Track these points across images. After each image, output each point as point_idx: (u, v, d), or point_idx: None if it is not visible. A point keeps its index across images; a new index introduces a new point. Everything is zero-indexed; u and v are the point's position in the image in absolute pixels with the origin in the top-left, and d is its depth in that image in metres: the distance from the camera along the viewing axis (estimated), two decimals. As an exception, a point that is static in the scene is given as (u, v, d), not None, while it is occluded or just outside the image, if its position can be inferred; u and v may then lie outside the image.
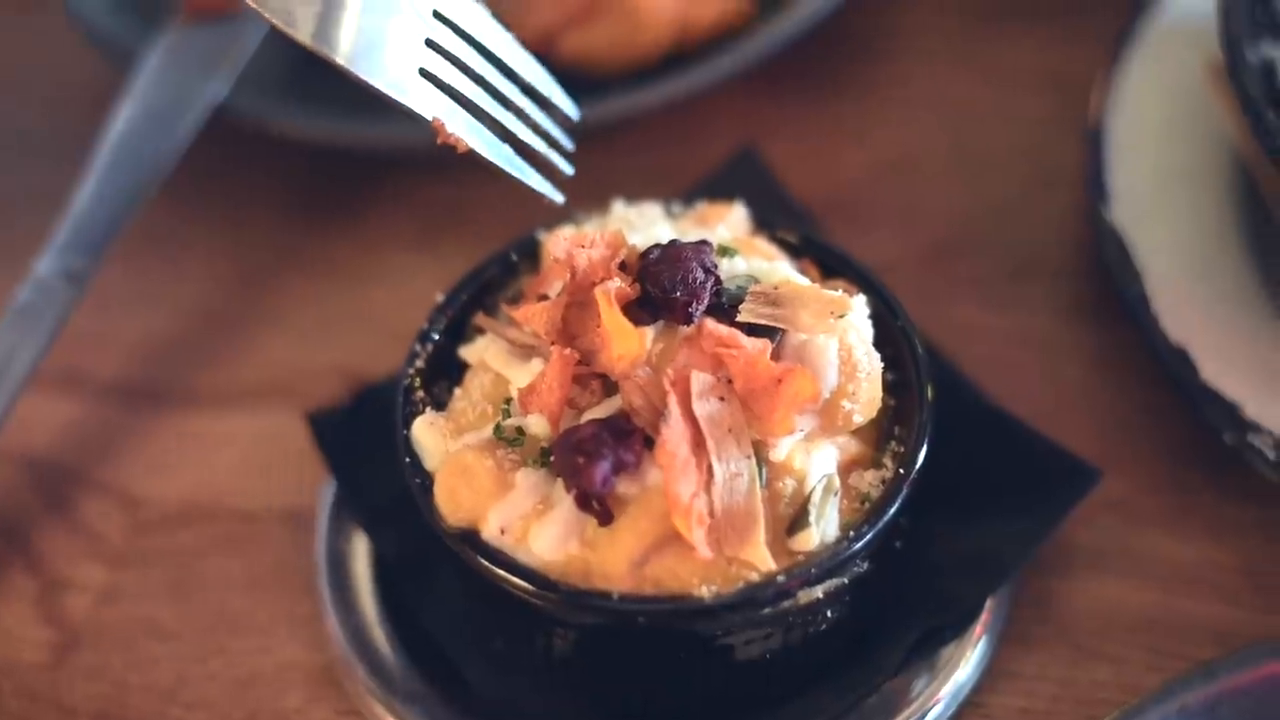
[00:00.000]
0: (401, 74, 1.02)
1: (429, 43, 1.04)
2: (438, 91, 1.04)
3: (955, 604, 1.13)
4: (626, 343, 1.03)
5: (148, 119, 1.36)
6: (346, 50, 1.01)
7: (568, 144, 1.12)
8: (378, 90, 1.01)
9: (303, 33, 1.00)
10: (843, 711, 1.10)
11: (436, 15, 1.05)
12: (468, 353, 1.14)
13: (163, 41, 1.41)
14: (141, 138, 1.35)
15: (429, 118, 1.03)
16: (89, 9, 1.54)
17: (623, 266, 1.07)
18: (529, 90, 1.11)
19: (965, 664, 1.12)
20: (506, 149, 1.08)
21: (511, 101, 1.09)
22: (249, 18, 1.41)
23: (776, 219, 1.21)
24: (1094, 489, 1.17)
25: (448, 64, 1.05)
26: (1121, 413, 1.29)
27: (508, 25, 1.11)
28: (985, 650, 1.14)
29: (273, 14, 1.01)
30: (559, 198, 1.09)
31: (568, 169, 1.11)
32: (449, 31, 1.06)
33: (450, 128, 1.03)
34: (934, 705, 1.11)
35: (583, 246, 1.08)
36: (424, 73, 1.04)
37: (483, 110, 1.07)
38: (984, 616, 1.14)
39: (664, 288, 1.04)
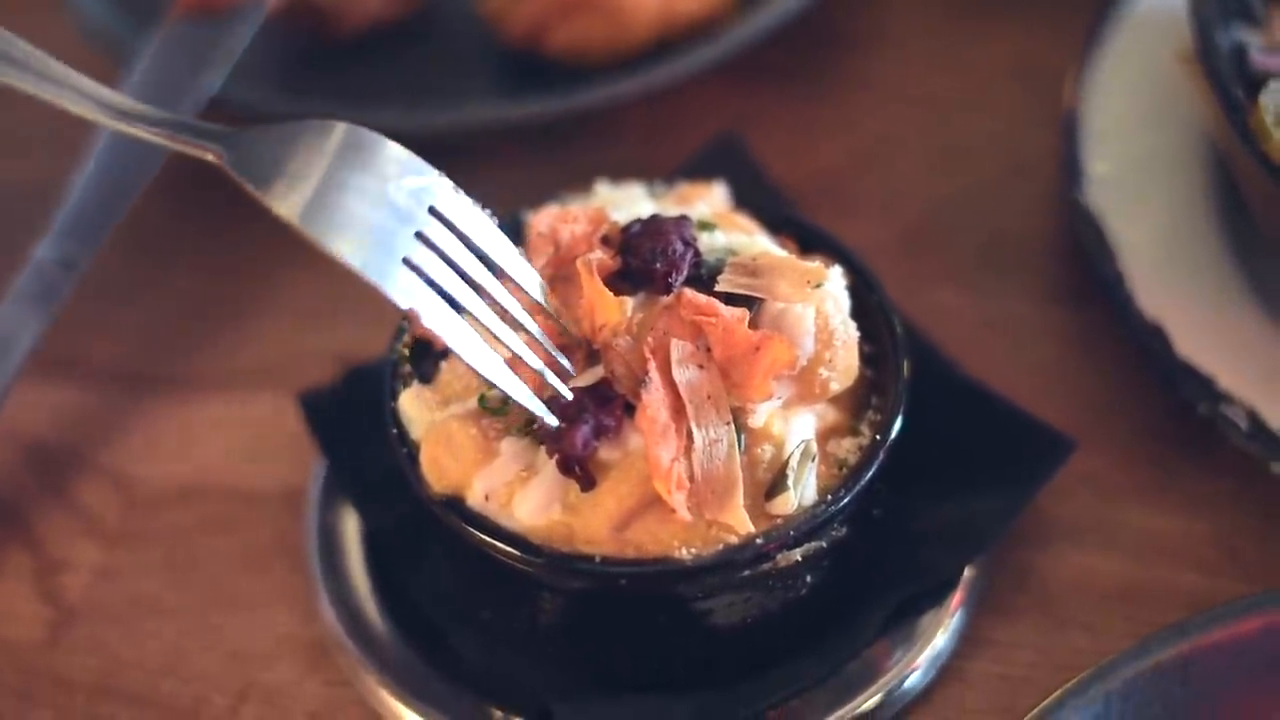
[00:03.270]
0: (381, 258, 0.99)
1: (419, 235, 1.01)
2: (419, 282, 1.00)
3: (933, 572, 1.15)
4: (607, 311, 1.05)
5: (144, 111, 1.38)
6: (327, 229, 0.99)
7: (567, 366, 1.07)
8: (355, 269, 0.99)
9: (289, 211, 0.99)
10: (822, 677, 1.11)
11: (432, 212, 1.02)
12: (454, 327, 1.16)
13: (158, 36, 1.44)
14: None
15: (404, 307, 0.99)
16: (85, 7, 1.57)
17: (605, 241, 1.10)
18: (530, 307, 1.07)
19: (943, 632, 1.14)
20: (491, 354, 1.03)
21: (506, 311, 1.05)
22: (243, 13, 1.44)
23: (757, 198, 1.24)
24: (1071, 461, 1.19)
25: (436, 259, 1.02)
26: (1097, 390, 1.31)
27: (516, 241, 1.08)
28: (963, 619, 1.16)
29: (260, 191, 1.00)
30: (554, 421, 1.04)
31: (566, 393, 1.05)
32: (443, 230, 1.02)
33: (426, 321, 1.00)
34: (912, 672, 1.13)
35: (566, 223, 1.11)
36: (408, 262, 1.00)
37: (470, 313, 1.03)
38: (962, 585, 1.15)
39: (644, 259, 1.07)
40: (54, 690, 1.21)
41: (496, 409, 1.09)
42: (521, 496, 1.06)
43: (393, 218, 1.01)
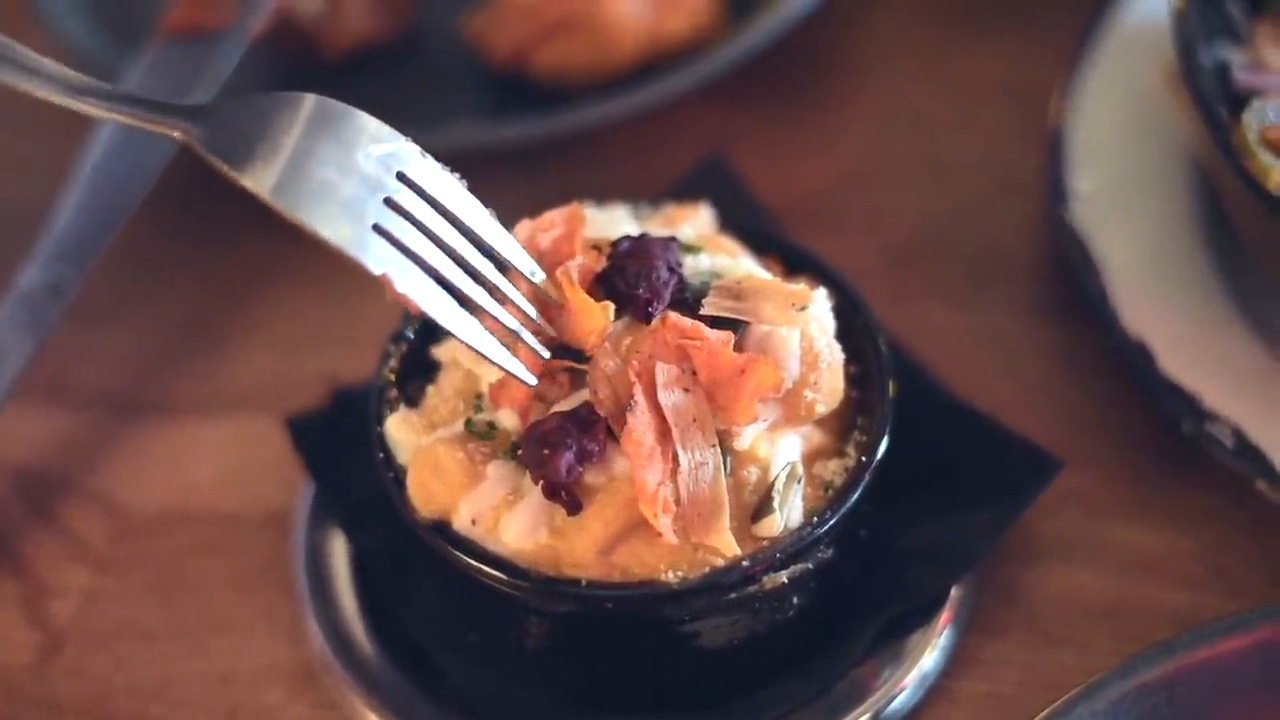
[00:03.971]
0: (352, 227, 0.99)
1: (388, 202, 1.01)
2: (390, 249, 1.00)
3: (920, 592, 1.15)
4: (591, 318, 1.06)
5: (130, 134, 1.37)
6: (299, 202, 0.98)
7: (546, 328, 1.08)
8: (326, 241, 0.98)
9: (259, 186, 0.99)
10: (810, 698, 1.12)
11: (401, 178, 1.03)
12: (440, 351, 1.16)
13: (144, 59, 1.44)
14: (124, 152, 1.37)
15: (376, 273, 0.99)
16: (69, 28, 1.58)
17: (595, 248, 1.11)
18: (504, 268, 1.07)
19: (931, 651, 1.14)
20: (465, 317, 1.03)
21: (479, 273, 1.05)
22: (229, 36, 1.44)
23: (743, 220, 1.24)
24: (1057, 479, 1.19)
25: (407, 224, 1.02)
26: (1083, 407, 1.31)
27: (485, 202, 1.07)
28: (951, 637, 1.16)
29: (231, 166, 1.00)
30: (530, 379, 1.06)
31: (542, 352, 1.06)
32: (413, 195, 1.03)
33: (400, 286, 1.00)
34: (900, 692, 1.13)
35: (543, 230, 1.11)
36: (378, 229, 1.00)
37: (443, 276, 1.03)
38: (949, 604, 1.15)
39: (628, 282, 1.07)
40: (43, 716, 1.21)
41: (483, 432, 1.09)
42: (508, 520, 1.06)
43: (362, 185, 1.01)
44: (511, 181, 1.50)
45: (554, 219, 1.11)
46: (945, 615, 1.15)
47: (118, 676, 1.23)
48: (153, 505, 1.33)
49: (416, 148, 1.05)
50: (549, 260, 1.09)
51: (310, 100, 1.03)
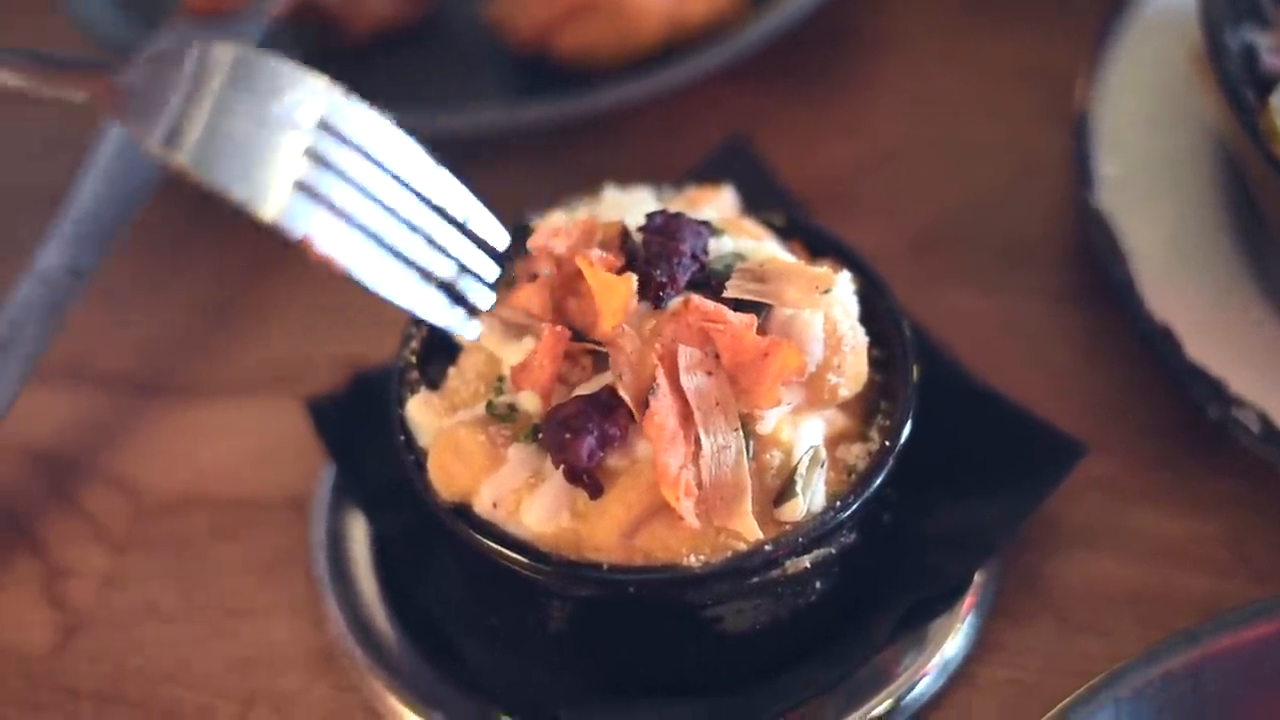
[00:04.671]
0: (267, 185, 0.93)
1: (310, 153, 0.95)
2: (312, 205, 0.94)
3: (944, 577, 1.15)
4: (614, 295, 1.04)
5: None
6: (206, 163, 0.93)
7: (489, 271, 1.03)
8: (239, 203, 0.93)
9: (170, 153, 0.93)
10: (833, 683, 1.11)
11: (323, 126, 0.96)
12: (461, 333, 1.16)
13: (163, 41, 1.43)
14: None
15: (296, 235, 0.94)
16: (91, 11, 1.57)
17: (604, 245, 1.09)
18: (445, 214, 1.01)
19: (954, 637, 1.14)
20: (395, 273, 0.98)
21: (413, 221, 0.99)
22: (248, 17, 1.43)
23: (766, 203, 1.23)
24: (1081, 465, 1.18)
25: (332, 176, 0.95)
26: (1108, 393, 1.31)
27: (420, 138, 1.00)
28: (974, 623, 1.15)
29: (131, 128, 0.95)
30: (471, 334, 1.03)
31: (485, 302, 1.02)
32: (336, 143, 0.96)
33: (322, 245, 0.94)
34: (922, 677, 1.12)
35: (558, 237, 1.10)
36: (300, 185, 0.94)
37: (371, 229, 0.97)
38: (972, 590, 1.15)
39: (649, 260, 1.06)
40: (61, 697, 1.21)
41: (504, 415, 1.09)
42: (529, 503, 1.06)
43: (280, 139, 0.95)
44: (533, 164, 1.50)
45: (570, 229, 1.10)
46: (968, 601, 1.15)
47: (136, 659, 1.23)
48: (172, 487, 1.33)
49: (339, 90, 0.98)
50: (568, 265, 1.08)
51: (226, 50, 0.98)
